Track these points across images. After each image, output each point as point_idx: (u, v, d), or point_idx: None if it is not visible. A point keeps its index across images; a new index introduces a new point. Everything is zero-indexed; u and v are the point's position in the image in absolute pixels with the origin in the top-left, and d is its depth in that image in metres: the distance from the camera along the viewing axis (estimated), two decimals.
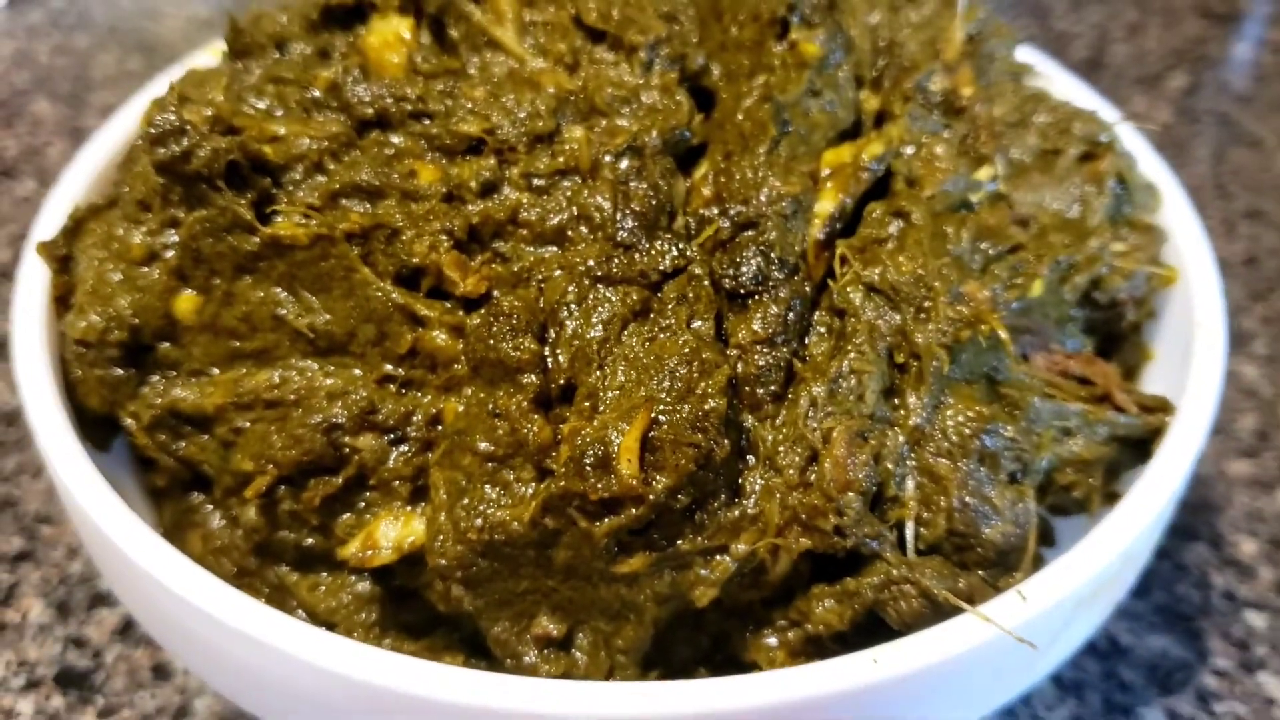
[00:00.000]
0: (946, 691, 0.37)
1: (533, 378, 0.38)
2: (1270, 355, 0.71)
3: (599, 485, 0.35)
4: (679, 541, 0.37)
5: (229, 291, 0.42)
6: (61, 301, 0.45)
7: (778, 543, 0.37)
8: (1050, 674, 0.50)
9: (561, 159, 0.42)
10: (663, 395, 0.36)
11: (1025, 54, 0.55)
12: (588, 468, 0.35)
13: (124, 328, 0.42)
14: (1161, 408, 0.43)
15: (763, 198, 0.41)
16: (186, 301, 0.42)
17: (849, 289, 0.40)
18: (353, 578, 0.43)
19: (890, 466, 0.38)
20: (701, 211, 0.42)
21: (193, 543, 0.45)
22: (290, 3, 0.48)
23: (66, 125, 0.88)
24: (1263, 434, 0.66)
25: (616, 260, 0.40)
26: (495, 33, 0.45)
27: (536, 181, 0.42)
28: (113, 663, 0.53)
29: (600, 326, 0.39)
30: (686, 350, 0.37)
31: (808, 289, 0.41)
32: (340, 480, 0.40)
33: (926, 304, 0.40)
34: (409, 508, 0.40)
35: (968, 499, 0.38)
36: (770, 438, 0.38)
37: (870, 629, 0.38)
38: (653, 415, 0.36)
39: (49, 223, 0.47)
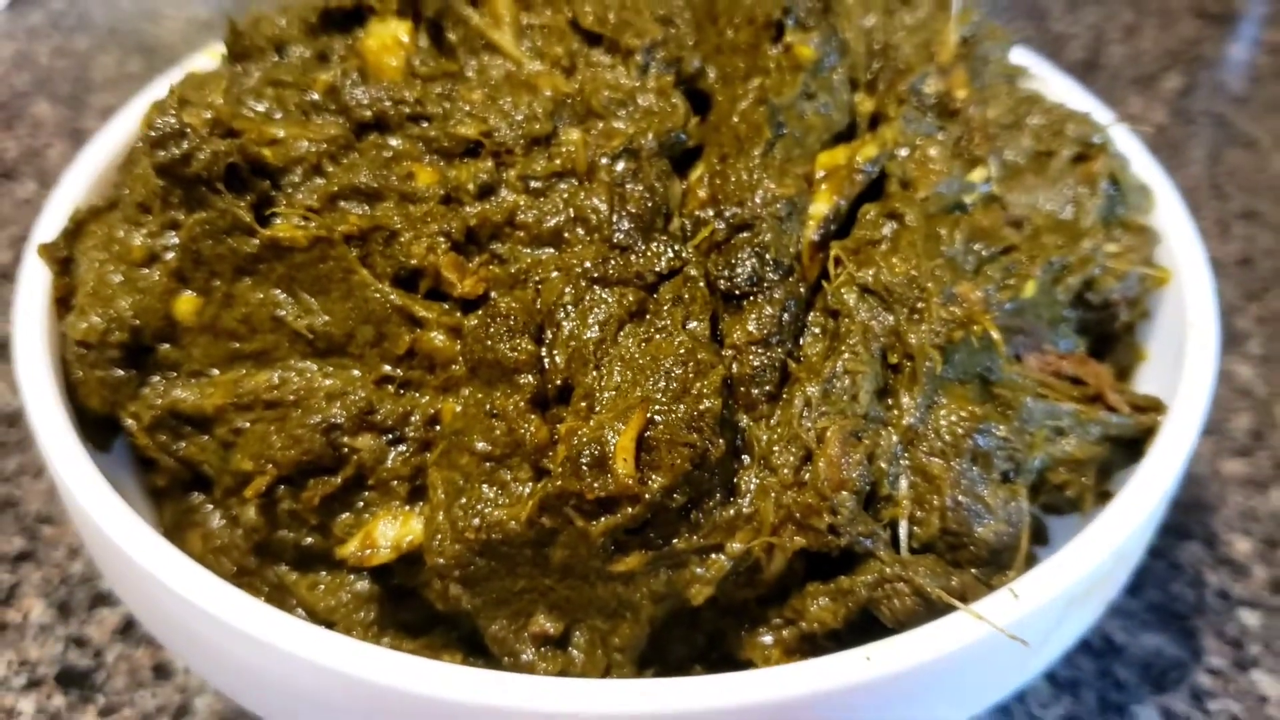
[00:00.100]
0: (940, 689, 0.37)
1: (530, 378, 0.38)
2: (1265, 355, 0.71)
3: (595, 485, 0.35)
4: (675, 540, 0.37)
5: (229, 293, 0.42)
6: (62, 303, 0.45)
7: (773, 541, 0.37)
8: (1044, 672, 0.50)
9: (558, 161, 0.42)
10: (658, 395, 0.37)
11: (1020, 56, 0.55)
12: (584, 467, 0.35)
13: (124, 329, 0.42)
14: (1154, 408, 0.43)
15: (758, 200, 0.41)
16: (186, 303, 0.43)
17: (843, 290, 0.41)
18: (352, 577, 0.43)
19: (884, 466, 0.38)
20: (697, 213, 0.42)
21: (193, 542, 0.45)
22: (289, 6, 0.48)
23: (67, 127, 0.89)
24: (1257, 433, 0.66)
25: (613, 262, 0.40)
26: (493, 36, 0.45)
27: (533, 183, 0.42)
28: (114, 662, 0.53)
29: (596, 327, 0.39)
30: (682, 351, 0.38)
31: (802, 290, 0.41)
32: (339, 480, 0.41)
33: (920, 305, 0.40)
34: (407, 507, 0.41)
35: (961, 498, 0.38)
36: (765, 437, 0.38)
37: (864, 627, 0.38)
38: (648, 415, 0.36)
39: (50, 225, 0.47)
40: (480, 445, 0.38)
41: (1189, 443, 0.41)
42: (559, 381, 0.38)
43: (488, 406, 0.39)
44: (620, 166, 0.42)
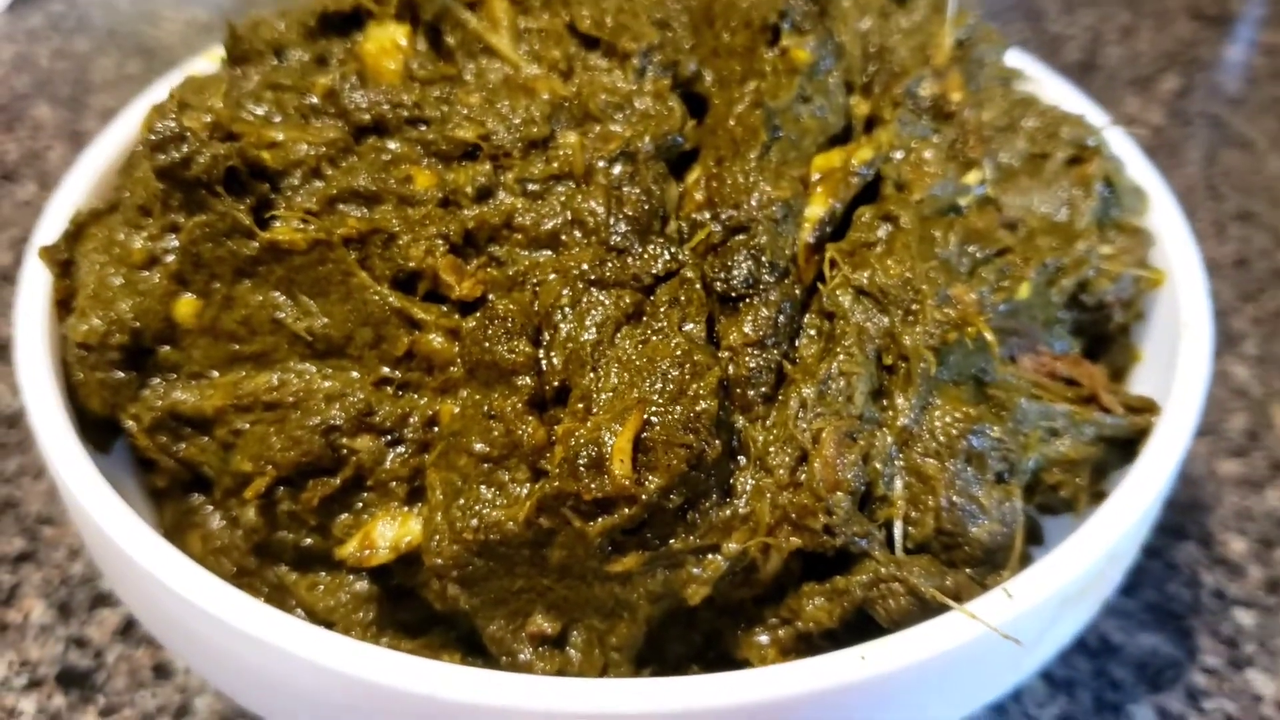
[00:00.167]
0: (934, 688, 0.37)
1: (527, 380, 0.39)
2: (1260, 356, 0.71)
3: (593, 485, 0.36)
4: (671, 541, 0.37)
5: (228, 295, 0.42)
6: (63, 305, 0.45)
7: (769, 541, 0.37)
8: (1039, 671, 0.50)
9: (556, 164, 0.43)
10: (655, 397, 0.37)
11: (1016, 58, 0.55)
12: (581, 468, 0.36)
13: (125, 331, 0.43)
14: (1147, 408, 0.43)
15: (754, 202, 0.42)
16: (186, 305, 0.43)
17: (838, 292, 0.41)
18: (351, 577, 0.44)
19: (879, 466, 0.38)
20: (694, 216, 0.42)
21: (193, 543, 0.45)
22: (288, 9, 0.48)
23: (66, 129, 0.89)
24: (1252, 434, 0.66)
25: (610, 264, 0.40)
26: (491, 40, 0.46)
27: (531, 186, 0.42)
28: (114, 662, 0.53)
29: (594, 329, 0.39)
30: (678, 352, 0.38)
31: (798, 292, 0.41)
32: (338, 481, 0.41)
33: (914, 307, 0.40)
34: (406, 508, 0.41)
35: (955, 498, 0.38)
36: (761, 438, 0.39)
37: (860, 626, 0.38)
38: (645, 416, 0.36)
39: (50, 227, 0.47)
40: (478, 446, 0.38)
41: (1182, 443, 0.42)
42: (556, 383, 0.39)
43: (486, 408, 0.39)
44: (617, 169, 0.42)
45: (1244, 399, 0.68)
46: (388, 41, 0.45)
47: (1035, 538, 0.45)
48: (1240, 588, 0.58)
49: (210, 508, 0.45)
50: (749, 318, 0.40)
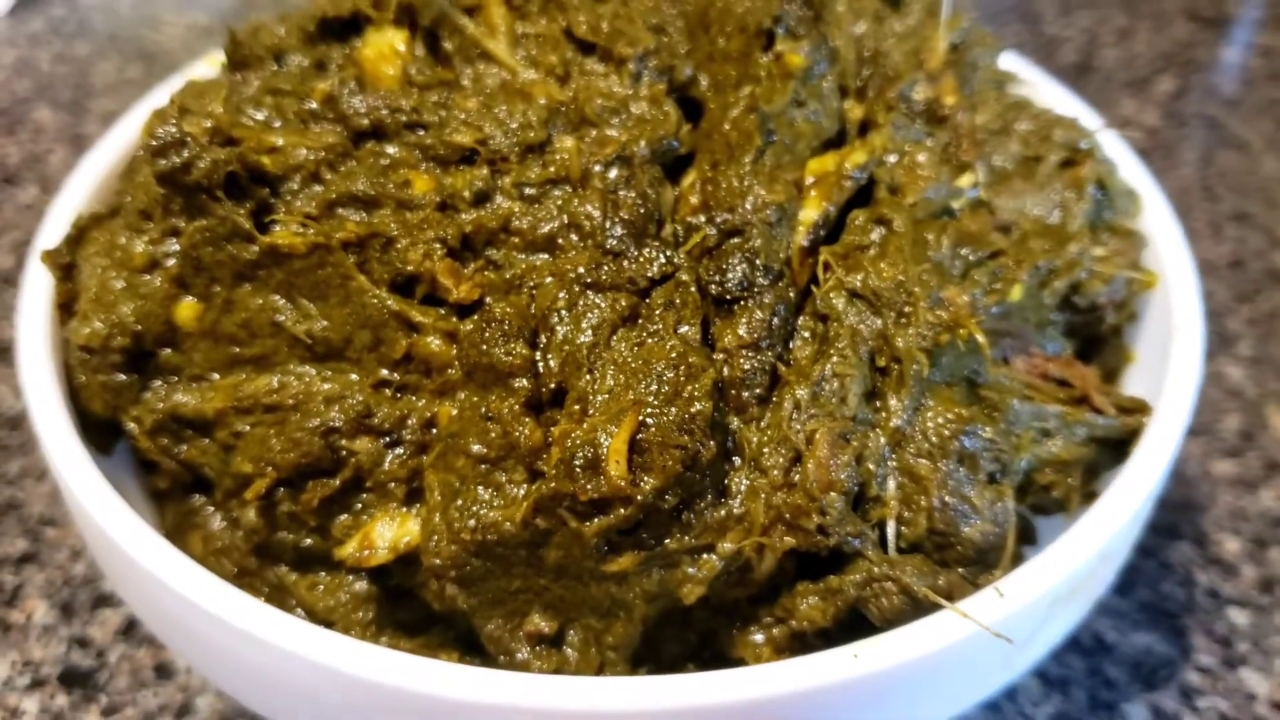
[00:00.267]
0: (926, 686, 0.37)
1: (524, 382, 0.39)
2: (1255, 356, 0.72)
3: (589, 486, 0.36)
4: (667, 541, 0.37)
5: (229, 299, 0.43)
6: (65, 308, 0.46)
7: (763, 541, 0.38)
8: (1031, 670, 0.51)
9: (552, 168, 0.43)
10: (650, 398, 0.37)
11: (1009, 61, 0.55)
12: (578, 469, 0.36)
13: (126, 334, 0.43)
14: (1139, 409, 0.44)
15: (748, 206, 0.42)
16: (187, 308, 0.43)
17: (832, 294, 0.41)
18: (350, 577, 0.44)
19: (872, 467, 0.39)
20: (689, 219, 0.43)
21: (194, 544, 0.45)
22: (288, 15, 0.48)
23: (68, 132, 0.89)
24: (1246, 434, 0.66)
25: (606, 267, 0.41)
26: (488, 45, 0.46)
27: (528, 190, 0.43)
28: (116, 662, 0.54)
29: (590, 332, 0.39)
30: (674, 354, 0.38)
31: (792, 295, 0.42)
32: (337, 482, 0.41)
33: (907, 309, 0.40)
34: (404, 509, 0.41)
35: (947, 499, 0.39)
36: (755, 439, 0.39)
37: (853, 625, 0.39)
38: (641, 418, 0.37)
39: (52, 231, 0.48)
40: (476, 448, 0.39)
41: (1173, 444, 0.42)
42: (553, 385, 0.39)
43: (483, 410, 0.39)
44: (613, 173, 0.43)
45: (1238, 400, 0.69)
46: (386, 47, 0.46)
47: (1028, 537, 0.45)
48: (1234, 587, 0.58)
49: (211, 509, 0.46)
50: (743, 320, 0.40)
